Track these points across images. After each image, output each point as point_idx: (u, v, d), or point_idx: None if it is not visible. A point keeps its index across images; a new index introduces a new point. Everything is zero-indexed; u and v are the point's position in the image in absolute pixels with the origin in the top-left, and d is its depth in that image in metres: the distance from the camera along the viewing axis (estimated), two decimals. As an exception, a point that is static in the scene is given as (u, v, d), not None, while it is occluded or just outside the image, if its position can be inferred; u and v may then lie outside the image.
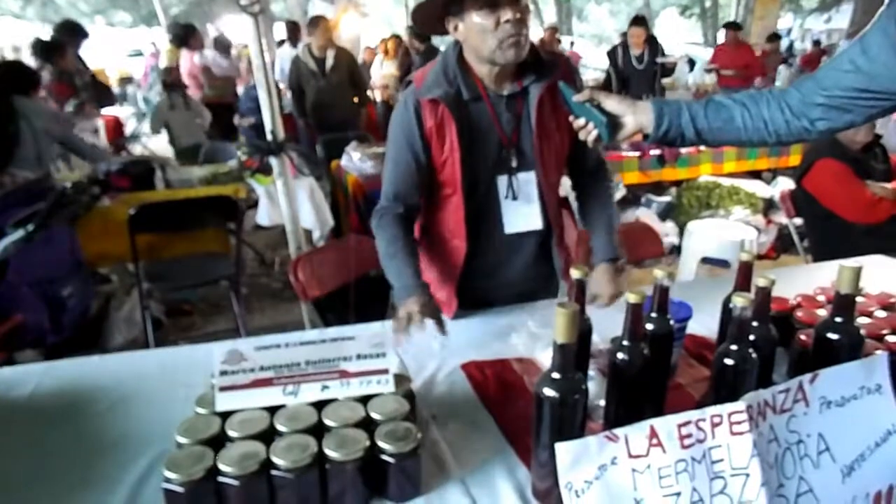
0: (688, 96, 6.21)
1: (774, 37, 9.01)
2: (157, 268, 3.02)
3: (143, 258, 2.93)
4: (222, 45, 6.67)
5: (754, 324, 1.07)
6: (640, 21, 5.90)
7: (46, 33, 4.97)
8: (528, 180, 1.54)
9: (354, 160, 3.70)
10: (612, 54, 5.99)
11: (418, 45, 5.98)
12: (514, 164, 1.52)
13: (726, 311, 1.24)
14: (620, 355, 1.01)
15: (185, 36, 6.22)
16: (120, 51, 13.14)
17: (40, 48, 4.29)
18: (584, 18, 25.34)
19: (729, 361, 0.97)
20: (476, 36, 1.39)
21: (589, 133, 1.28)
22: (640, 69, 5.77)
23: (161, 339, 3.08)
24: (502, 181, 1.53)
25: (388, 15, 14.58)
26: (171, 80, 5.48)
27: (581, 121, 1.28)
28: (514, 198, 1.54)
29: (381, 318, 2.45)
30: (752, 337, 1.03)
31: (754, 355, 0.98)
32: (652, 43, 5.83)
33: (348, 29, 10.05)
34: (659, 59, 5.77)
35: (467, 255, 1.57)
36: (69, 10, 17.55)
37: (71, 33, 4.77)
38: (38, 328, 2.10)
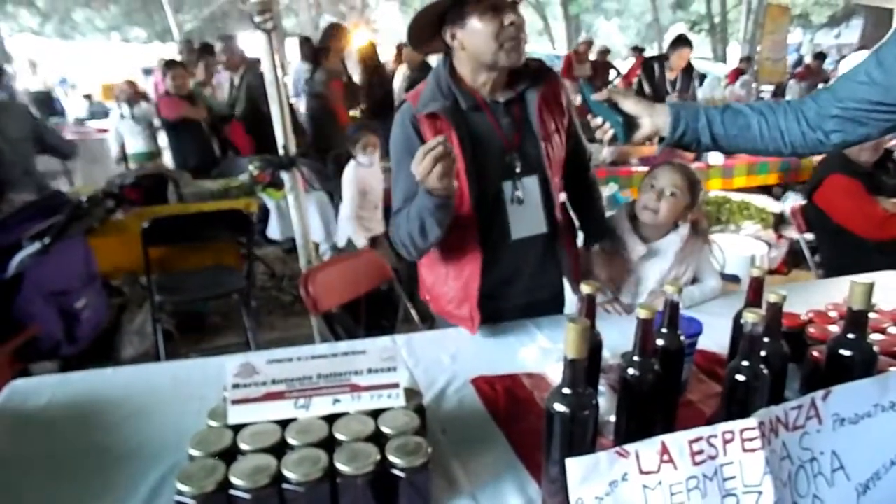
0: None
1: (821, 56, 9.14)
2: (168, 281, 3.04)
3: (155, 271, 2.95)
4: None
5: (766, 339, 1.06)
6: (685, 42, 5.52)
7: (64, 49, 5.05)
8: (532, 184, 1.55)
9: (365, 174, 3.71)
10: (648, 67, 5.70)
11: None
12: (518, 169, 1.53)
13: (737, 326, 1.23)
14: (631, 371, 1.01)
15: (200, 53, 6.28)
16: (134, 66, 13.34)
17: (308, 51, 4.47)
18: (594, 34, 25.45)
19: (740, 377, 0.97)
20: (478, 41, 1.41)
21: (605, 132, 1.29)
22: (672, 95, 5.48)
23: (172, 351, 3.09)
24: (507, 186, 1.54)
25: (398, 31, 14.71)
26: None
27: (598, 120, 1.30)
28: (520, 202, 1.55)
29: (390, 332, 2.46)
30: (763, 353, 1.03)
31: (766, 371, 0.97)
32: (688, 71, 5.53)
33: (359, 45, 10.16)
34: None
35: (483, 267, 1.55)
36: (86, 27, 17.86)
37: (336, 37, 5.01)
38: (53, 340, 2.12)
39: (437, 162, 1.25)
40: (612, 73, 10.00)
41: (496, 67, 1.45)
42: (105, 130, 6.99)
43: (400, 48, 6.21)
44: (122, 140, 5.17)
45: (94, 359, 2.84)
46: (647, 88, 5.57)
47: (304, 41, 6.95)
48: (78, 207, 2.41)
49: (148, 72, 12.40)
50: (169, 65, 4.48)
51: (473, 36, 1.41)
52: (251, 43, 12.90)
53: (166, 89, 4.42)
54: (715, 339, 1.37)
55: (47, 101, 9.36)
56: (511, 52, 1.42)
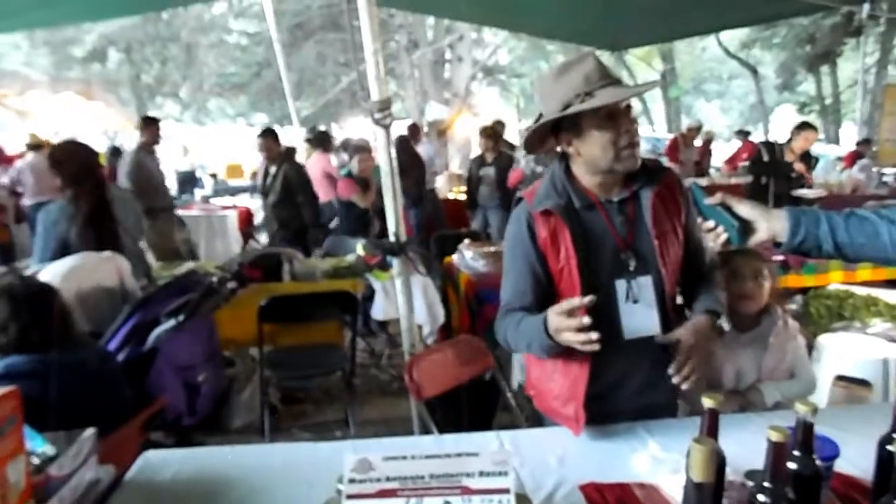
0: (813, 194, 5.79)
1: None
2: (277, 356, 3.19)
3: (265, 343, 3.11)
4: (346, 147, 7.28)
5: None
6: (810, 126, 5.53)
7: (201, 134, 5.65)
8: (646, 284, 1.53)
9: (467, 258, 3.79)
10: (768, 145, 5.64)
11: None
12: (631, 267, 1.52)
13: (884, 452, 1.12)
14: (762, 498, 0.94)
15: (321, 140, 6.80)
16: (254, 148, 14.71)
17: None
18: (694, 116, 25.20)
19: (894, 518, 0.88)
20: (595, 149, 1.45)
21: (718, 236, 1.27)
22: (791, 176, 5.41)
23: (275, 425, 3.20)
24: (621, 285, 1.52)
25: (499, 115, 15.31)
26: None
27: (710, 223, 1.29)
28: (635, 301, 1.53)
29: (490, 420, 2.43)
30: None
31: (925, 511, 0.88)
32: (806, 154, 5.48)
33: (462, 130, 10.61)
34: (800, 193, 5.35)
35: (592, 366, 1.52)
36: (217, 114, 19.96)
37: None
38: (176, 411, 2.27)
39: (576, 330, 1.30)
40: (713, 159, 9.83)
41: (612, 171, 1.49)
42: (228, 207, 7.65)
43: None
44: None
45: (204, 428, 2.99)
46: (765, 157, 5.43)
47: (412, 127, 7.44)
48: (210, 287, 2.62)
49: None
50: (357, 149, 4.65)
51: (590, 145, 1.46)
52: (358, 127, 13.84)
53: (349, 170, 4.63)
54: (850, 458, 1.26)
55: (192, 180, 10.55)
56: (628, 157, 1.45)
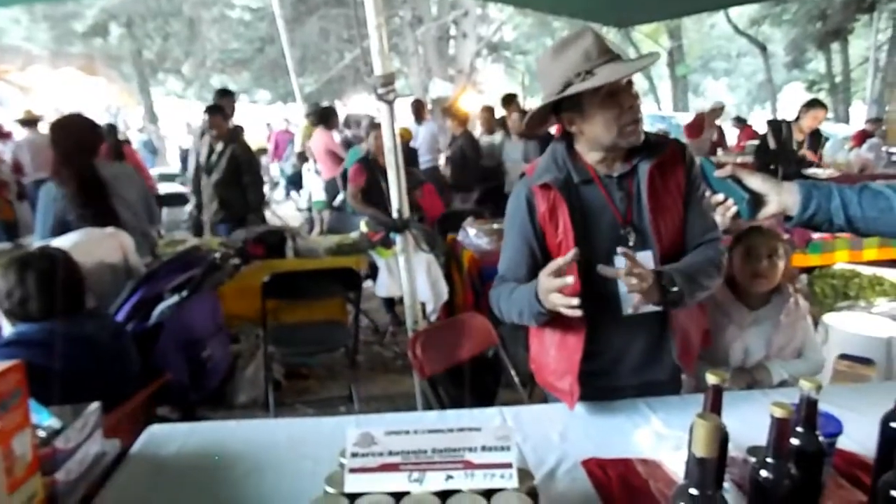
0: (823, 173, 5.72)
1: None
2: (281, 332, 3.19)
3: (268, 320, 3.11)
4: (350, 122, 7.24)
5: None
6: (820, 104, 5.49)
7: (200, 110, 5.51)
8: (646, 259, 1.51)
9: (471, 236, 3.79)
10: (775, 126, 5.51)
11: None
12: (631, 242, 1.51)
13: (887, 429, 1.12)
14: (764, 473, 0.94)
15: (324, 116, 6.73)
16: (258, 125, 14.66)
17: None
18: (701, 94, 24.86)
19: (896, 494, 0.88)
20: (597, 127, 1.44)
21: (728, 209, 1.26)
22: (799, 161, 5.37)
23: (279, 400, 3.23)
24: (620, 261, 1.50)
25: (502, 91, 15.16)
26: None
27: (720, 196, 1.27)
28: None
29: (493, 397, 2.44)
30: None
31: (927, 488, 0.88)
32: (815, 133, 5.45)
33: (466, 107, 10.51)
34: (809, 172, 5.22)
35: (586, 340, 1.53)
36: (221, 91, 19.83)
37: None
38: (181, 387, 2.28)
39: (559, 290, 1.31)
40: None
41: (616, 148, 1.48)
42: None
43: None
44: (310, 191, 5.71)
45: (209, 404, 3.02)
46: (772, 145, 5.35)
47: (416, 103, 7.39)
48: (212, 263, 2.62)
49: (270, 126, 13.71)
50: (374, 125, 4.43)
51: (592, 123, 1.44)
52: (362, 104, 13.71)
53: (368, 149, 4.44)
54: (852, 435, 1.26)
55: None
56: (630, 133, 1.44)
